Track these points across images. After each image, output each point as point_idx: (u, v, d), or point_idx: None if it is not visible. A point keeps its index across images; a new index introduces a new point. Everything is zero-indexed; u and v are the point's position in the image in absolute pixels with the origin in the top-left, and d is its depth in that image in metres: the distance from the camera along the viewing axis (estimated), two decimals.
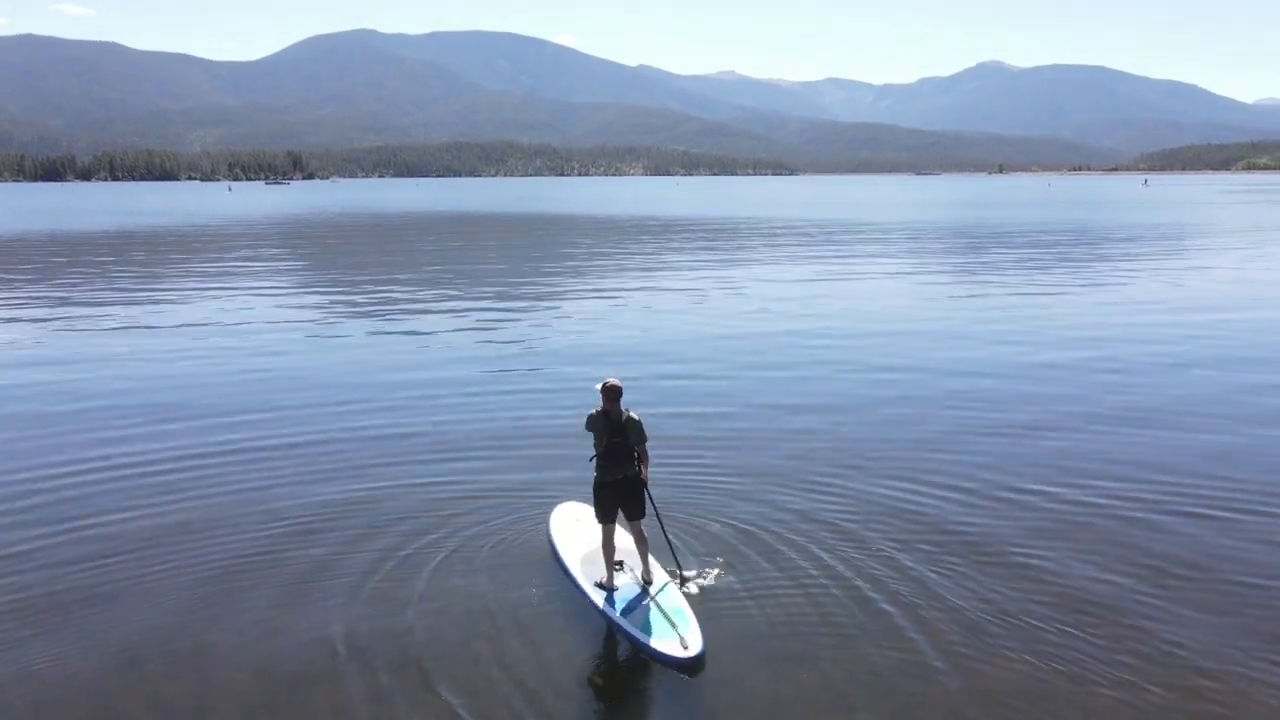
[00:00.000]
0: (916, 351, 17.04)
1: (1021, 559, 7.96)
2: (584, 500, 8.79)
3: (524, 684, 6.22)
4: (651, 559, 7.61)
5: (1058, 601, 7.19)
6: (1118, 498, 9.38)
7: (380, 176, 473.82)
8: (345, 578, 7.67)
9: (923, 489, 9.63)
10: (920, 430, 11.86)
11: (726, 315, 21.63)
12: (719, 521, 8.70)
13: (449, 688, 6.14)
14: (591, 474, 7.45)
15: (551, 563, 8.07)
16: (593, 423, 7.40)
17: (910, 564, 7.85)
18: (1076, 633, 6.71)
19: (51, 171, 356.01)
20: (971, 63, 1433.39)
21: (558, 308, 23.63)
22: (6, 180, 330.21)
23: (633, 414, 7.43)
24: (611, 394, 7.36)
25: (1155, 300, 23.61)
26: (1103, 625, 6.82)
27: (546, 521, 8.67)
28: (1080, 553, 8.08)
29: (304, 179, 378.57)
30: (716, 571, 7.75)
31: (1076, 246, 42.00)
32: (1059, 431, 11.74)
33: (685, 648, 6.63)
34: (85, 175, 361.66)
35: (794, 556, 7.97)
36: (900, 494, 9.49)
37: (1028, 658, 6.39)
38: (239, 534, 8.57)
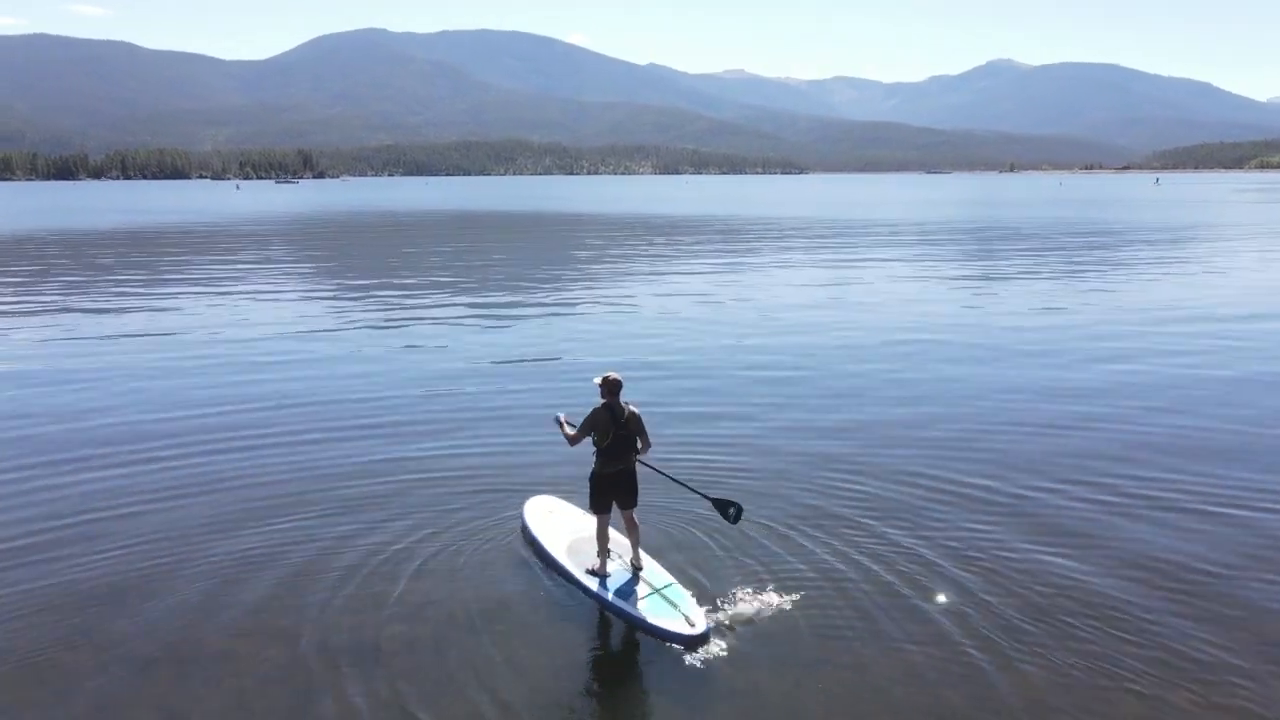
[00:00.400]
0: (943, 354, 16.83)
1: (1063, 561, 7.93)
2: (552, 493, 9.15)
3: (528, 679, 6.26)
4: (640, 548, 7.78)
5: (1098, 602, 7.18)
6: (1153, 498, 9.44)
7: (390, 175, 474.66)
8: (332, 582, 7.60)
9: (956, 489, 9.67)
10: (954, 433, 11.78)
11: (741, 318, 21.42)
12: (752, 521, 8.63)
13: (458, 688, 6.15)
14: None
15: (531, 557, 8.13)
16: (597, 419, 7.36)
17: (948, 564, 7.83)
18: (1117, 633, 6.71)
19: (64, 170, 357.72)
20: (981, 61, 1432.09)
21: (564, 309, 23.49)
22: (20, 179, 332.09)
23: (633, 407, 7.51)
24: (613, 388, 7.38)
25: (1178, 304, 23.07)
26: (1149, 628, 6.80)
27: (520, 517, 8.69)
28: (1121, 555, 8.06)
29: (314, 178, 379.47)
30: (749, 596, 7.42)
31: (1093, 250, 41.67)
32: (1094, 432, 11.77)
33: (692, 625, 6.74)
34: (97, 174, 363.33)
35: (829, 558, 7.97)
36: (934, 496, 9.48)
37: (1063, 657, 6.41)
38: (217, 538, 8.56)
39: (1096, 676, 6.18)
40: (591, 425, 7.40)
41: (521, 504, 8.92)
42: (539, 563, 8.00)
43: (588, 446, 7.62)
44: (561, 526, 8.43)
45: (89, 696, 6.12)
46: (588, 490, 7.66)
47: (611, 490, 7.50)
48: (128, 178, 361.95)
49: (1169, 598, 7.27)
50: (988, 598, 7.25)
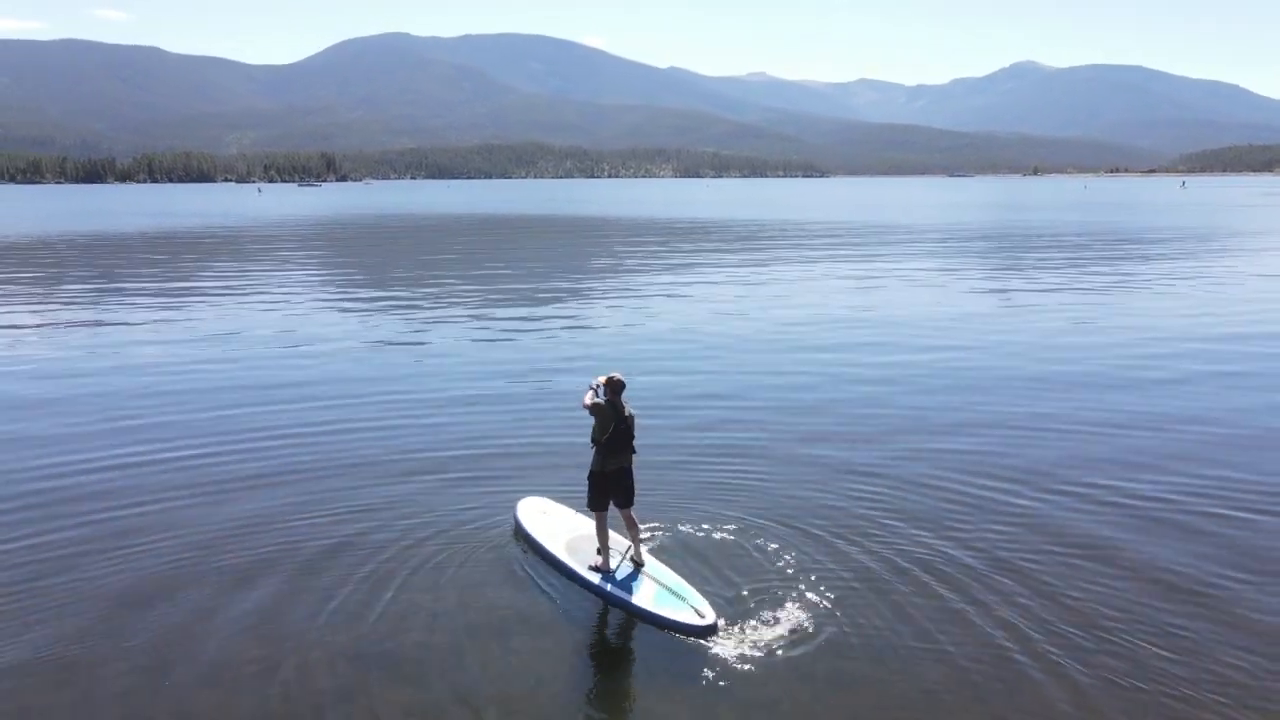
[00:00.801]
0: (978, 364, 16.48)
1: (1121, 563, 7.88)
2: (542, 495, 9.20)
3: (541, 677, 6.28)
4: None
5: (1143, 612, 7.08)
6: (1199, 495, 9.53)
7: (412, 178, 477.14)
8: (335, 588, 7.58)
9: (988, 498, 9.62)
10: (988, 444, 11.62)
11: (767, 327, 21.09)
12: (794, 526, 8.66)
13: (474, 689, 6.14)
14: (581, 464, 7.67)
15: (529, 556, 8.19)
16: (602, 409, 7.63)
17: (980, 572, 7.76)
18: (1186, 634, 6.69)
19: (93, 174, 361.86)
20: (1006, 63, 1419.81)
21: (581, 316, 23.26)
22: (49, 182, 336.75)
23: (630, 409, 7.78)
24: (616, 388, 7.66)
25: (1228, 316, 22.50)
26: (1205, 628, 6.78)
27: (515, 518, 8.73)
28: (1164, 568, 7.92)
29: (337, 180, 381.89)
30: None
31: (1127, 259, 40.96)
32: (1146, 432, 11.80)
33: (701, 616, 6.82)
34: (125, 177, 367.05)
35: (872, 564, 7.90)
36: (965, 504, 9.43)
37: (1102, 665, 6.32)
38: (214, 541, 8.56)
39: (1140, 684, 6.09)
40: (597, 411, 7.66)
41: (511, 506, 8.99)
42: (539, 562, 8.06)
43: (583, 446, 7.87)
44: (558, 526, 8.50)
45: (111, 697, 6.17)
46: (586, 489, 7.82)
47: (611, 489, 7.71)
48: (154, 181, 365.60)
49: (1218, 611, 7.12)
50: (1021, 605, 7.15)
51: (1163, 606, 7.16)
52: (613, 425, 7.58)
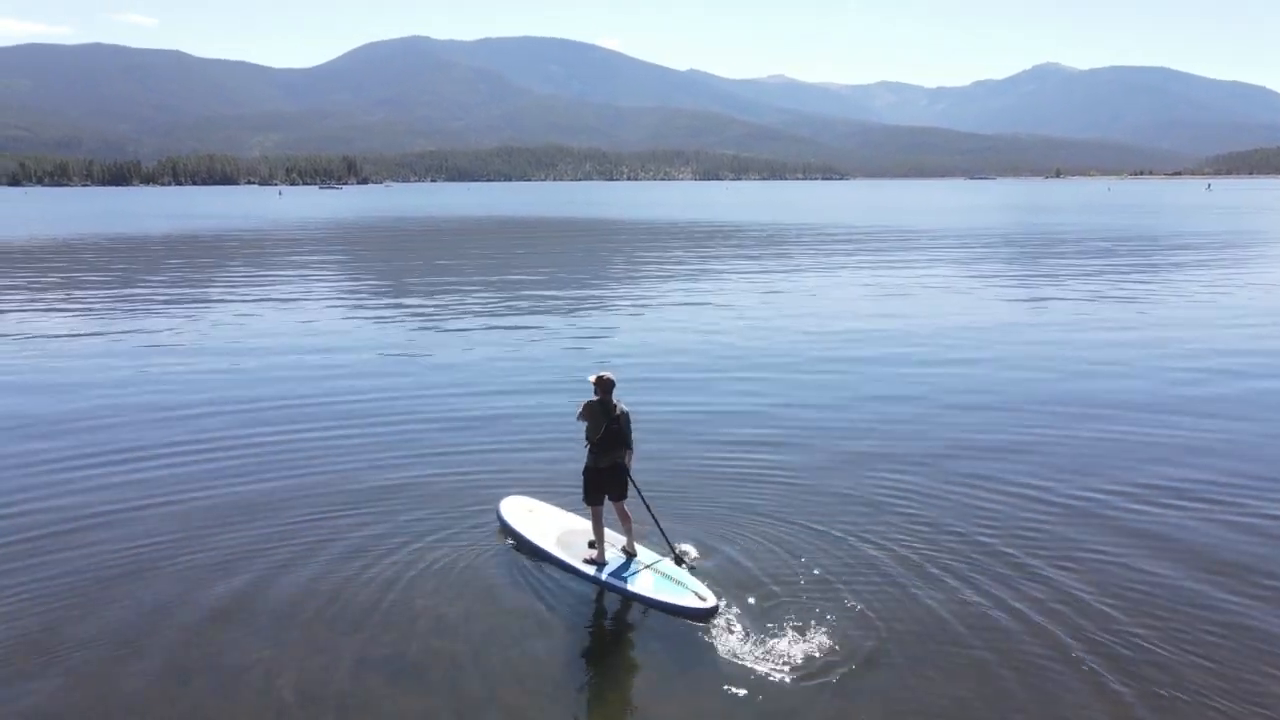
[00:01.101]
0: (1015, 369, 16.10)
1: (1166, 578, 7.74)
2: (523, 494, 9.23)
3: (553, 671, 6.30)
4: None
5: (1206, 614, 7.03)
6: (1213, 503, 9.46)
7: (432, 181, 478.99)
8: (326, 589, 7.55)
9: (1038, 486, 9.72)
10: (1029, 445, 11.51)
11: (794, 326, 20.73)
12: (824, 530, 8.64)
13: (482, 691, 6.13)
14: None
15: (520, 554, 8.22)
16: (590, 410, 7.73)
17: (1033, 574, 7.75)
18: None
19: (118, 176, 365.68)
20: (1027, 65, 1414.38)
21: (597, 320, 22.93)
22: (75, 184, 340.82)
23: (624, 406, 7.90)
24: (606, 386, 7.77)
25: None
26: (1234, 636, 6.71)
27: (499, 518, 8.75)
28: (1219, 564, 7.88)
29: (358, 183, 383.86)
30: (690, 545, 8.10)
31: (1159, 268, 40.12)
32: (1184, 446, 11.70)
33: (703, 600, 6.91)
34: (150, 180, 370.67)
35: (906, 571, 7.83)
36: (1018, 496, 9.48)
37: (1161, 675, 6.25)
38: (204, 542, 8.56)
39: (1180, 693, 6.04)
40: (586, 412, 7.76)
41: (493, 506, 9.03)
42: (532, 559, 8.10)
43: (576, 447, 7.99)
44: (546, 523, 8.57)
45: (119, 700, 6.17)
46: (570, 486, 7.90)
47: (605, 484, 7.85)
48: (179, 183, 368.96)
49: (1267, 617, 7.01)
50: (1059, 612, 7.08)
51: (1207, 613, 7.04)
52: (604, 424, 7.67)
